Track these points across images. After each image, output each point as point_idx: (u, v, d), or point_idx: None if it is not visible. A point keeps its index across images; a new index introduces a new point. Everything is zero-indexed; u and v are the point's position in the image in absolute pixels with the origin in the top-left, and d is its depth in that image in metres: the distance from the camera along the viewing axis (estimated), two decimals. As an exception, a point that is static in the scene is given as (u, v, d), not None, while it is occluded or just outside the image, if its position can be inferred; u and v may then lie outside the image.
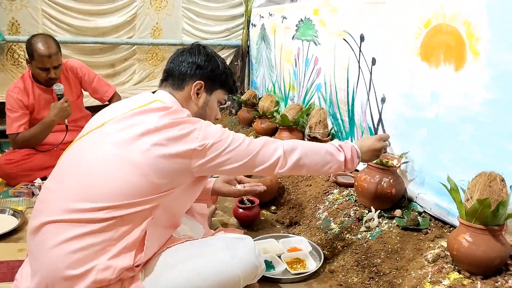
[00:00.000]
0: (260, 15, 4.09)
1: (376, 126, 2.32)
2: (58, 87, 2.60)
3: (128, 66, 4.20)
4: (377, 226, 1.94)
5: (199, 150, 1.28)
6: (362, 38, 2.41)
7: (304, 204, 2.37)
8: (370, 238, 1.89)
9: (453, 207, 1.76)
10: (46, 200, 1.28)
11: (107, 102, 2.99)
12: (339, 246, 1.96)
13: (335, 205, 2.21)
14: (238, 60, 4.49)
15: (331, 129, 2.75)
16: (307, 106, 3.12)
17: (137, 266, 1.25)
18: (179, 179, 1.30)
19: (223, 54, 4.54)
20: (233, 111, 4.31)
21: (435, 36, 1.87)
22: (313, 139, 2.63)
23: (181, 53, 1.49)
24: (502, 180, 1.47)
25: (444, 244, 1.66)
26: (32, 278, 1.24)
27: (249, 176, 2.47)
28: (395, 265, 1.69)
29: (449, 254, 1.57)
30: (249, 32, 4.39)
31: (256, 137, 3.42)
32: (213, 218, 2.21)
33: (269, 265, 1.83)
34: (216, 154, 1.31)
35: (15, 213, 2.25)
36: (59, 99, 2.60)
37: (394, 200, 2.00)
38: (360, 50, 2.44)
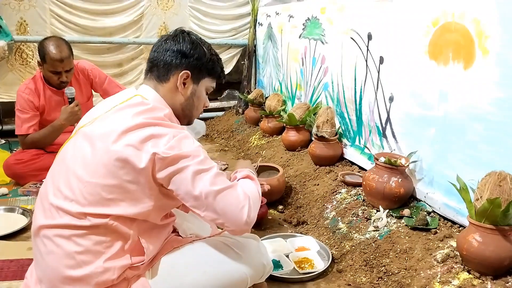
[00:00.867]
0: (267, 14, 4.08)
1: (384, 125, 2.30)
2: (70, 91, 2.60)
3: (135, 65, 4.22)
4: (386, 225, 1.93)
5: (159, 157, 1.16)
6: (369, 37, 2.40)
7: (311, 204, 2.36)
8: (378, 237, 1.88)
9: (462, 206, 1.75)
10: (41, 204, 1.28)
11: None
12: (347, 246, 1.95)
13: (343, 205, 2.20)
14: (245, 59, 4.48)
15: (338, 128, 2.75)
16: (314, 105, 3.11)
17: (142, 264, 1.25)
18: (149, 185, 1.20)
19: (229, 53, 4.55)
20: (240, 110, 4.31)
21: (443, 35, 1.86)
22: (321, 138, 2.62)
23: (164, 40, 1.39)
24: (512, 179, 1.45)
25: (454, 244, 1.65)
26: (40, 285, 1.24)
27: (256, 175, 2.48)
28: (404, 265, 1.68)
29: (458, 254, 1.56)
30: (255, 31, 4.39)
31: (263, 137, 3.48)
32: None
33: (277, 264, 1.83)
34: (176, 169, 1.18)
35: (24, 212, 2.27)
36: (70, 102, 2.60)
37: (402, 200, 1.99)
38: (367, 49, 2.43)
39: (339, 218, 2.13)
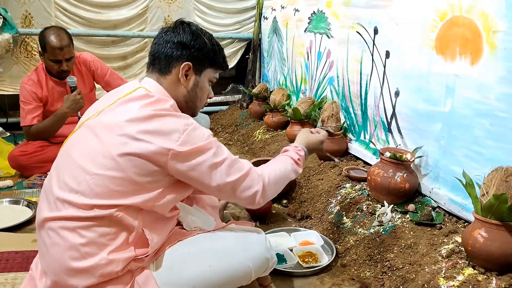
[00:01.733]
0: (272, 8, 4.06)
1: (389, 120, 2.29)
2: (71, 80, 2.62)
3: (139, 58, 4.21)
4: (390, 220, 1.92)
5: (175, 152, 1.19)
6: (376, 31, 2.39)
7: (316, 198, 2.36)
8: (383, 232, 1.88)
9: (468, 202, 1.74)
10: (45, 196, 1.28)
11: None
12: (351, 240, 1.95)
13: (348, 199, 2.20)
14: (250, 53, 4.47)
15: (343, 123, 2.73)
16: (319, 100, 3.10)
17: (146, 256, 1.26)
18: (158, 178, 1.23)
19: (234, 47, 4.53)
20: (244, 104, 4.30)
21: (451, 29, 1.84)
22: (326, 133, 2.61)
23: (165, 32, 1.38)
24: (519, 175, 1.44)
25: (459, 239, 1.65)
26: (45, 278, 1.24)
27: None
28: (409, 260, 1.68)
29: (463, 249, 1.56)
30: (260, 24, 4.37)
31: (267, 131, 3.47)
32: (224, 211, 2.22)
33: (281, 258, 1.84)
34: (191, 164, 1.22)
35: (29, 204, 2.29)
36: (72, 91, 2.62)
37: (407, 195, 1.98)
38: (373, 43, 2.41)
39: (344, 213, 2.13)
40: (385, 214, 1.95)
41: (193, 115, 1.46)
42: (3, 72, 3.71)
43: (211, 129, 4.15)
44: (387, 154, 2.03)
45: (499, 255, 1.41)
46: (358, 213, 2.07)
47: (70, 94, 2.61)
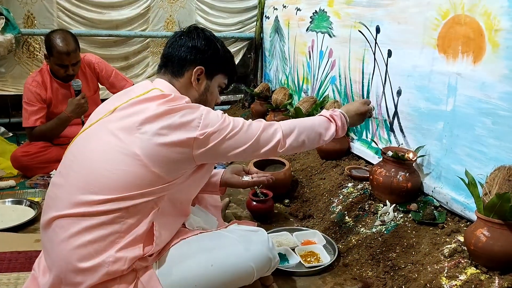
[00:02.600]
0: (273, 7, 4.06)
1: (391, 119, 2.29)
2: (76, 83, 2.61)
3: (141, 58, 4.21)
4: (393, 220, 1.92)
5: (200, 139, 1.25)
6: (378, 30, 2.38)
7: (317, 198, 2.35)
8: (385, 232, 1.88)
9: (470, 201, 1.74)
10: (54, 195, 1.28)
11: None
12: (353, 240, 1.94)
13: (350, 199, 2.20)
14: (251, 53, 4.47)
15: (345, 122, 2.73)
16: (321, 99, 3.10)
17: (150, 255, 1.26)
18: (180, 168, 1.29)
19: (236, 46, 4.53)
20: (246, 104, 4.30)
21: (453, 28, 1.83)
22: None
23: (179, 36, 1.43)
24: (522, 174, 1.44)
25: (461, 238, 1.64)
26: (48, 274, 1.25)
27: (262, 169, 2.47)
28: (411, 260, 1.68)
29: (466, 249, 1.55)
30: (262, 24, 4.37)
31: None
32: (226, 211, 2.22)
33: (283, 258, 1.83)
34: (217, 142, 1.29)
35: (32, 204, 2.29)
36: (76, 95, 2.61)
37: (410, 194, 1.98)
38: (376, 42, 2.41)
39: (346, 212, 2.12)
40: (387, 213, 1.95)
41: None
42: (5, 73, 3.72)
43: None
44: (389, 153, 2.02)
45: (502, 254, 1.40)
46: (360, 212, 2.07)
47: (74, 98, 2.61)
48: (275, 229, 2.09)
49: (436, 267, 1.56)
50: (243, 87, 4.57)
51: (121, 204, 1.20)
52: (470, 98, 1.75)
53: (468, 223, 1.75)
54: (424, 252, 1.67)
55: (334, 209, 2.20)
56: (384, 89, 2.35)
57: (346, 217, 2.09)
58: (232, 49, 4.48)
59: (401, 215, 1.92)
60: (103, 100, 3.18)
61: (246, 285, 1.40)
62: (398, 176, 1.96)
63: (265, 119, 3.65)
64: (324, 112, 1.59)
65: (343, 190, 2.29)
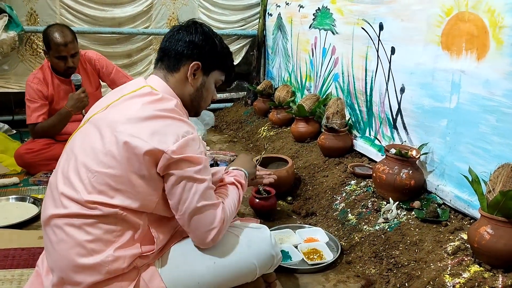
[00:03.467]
0: (276, 4, 4.05)
1: (395, 117, 2.28)
2: (76, 77, 2.62)
3: (144, 56, 4.22)
4: (396, 217, 1.92)
5: (167, 156, 1.17)
6: (381, 27, 2.37)
7: (320, 195, 2.35)
8: (388, 229, 1.88)
9: (473, 199, 1.73)
10: (50, 193, 1.28)
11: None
12: (356, 237, 1.94)
13: (353, 196, 2.19)
14: (254, 50, 4.46)
15: (348, 120, 2.73)
16: (324, 96, 3.09)
17: (152, 253, 1.26)
18: (155, 180, 1.22)
19: (239, 44, 4.52)
20: (249, 101, 4.30)
21: (456, 25, 1.83)
22: (330, 129, 2.60)
23: (177, 31, 1.38)
24: (526, 172, 1.43)
25: (464, 236, 1.64)
26: (51, 273, 1.25)
27: (264, 166, 2.47)
28: (414, 257, 1.67)
29: (469, 246, 1.55)
30: (265, 21, 4.36)
31: (272, 128, 3.46)
32: (229, 208, 2.22)
33: (285, 255, 1.84)
34: (173, 172, 1.20)
35: (35, 201, 2.30)
36: (76, 89, 2.63)
37: (413, 192, 1.97)
38: (379, 39, 2.40)
39: (349, 210, 2.12)
40: (391, 211, 1.94)
41: (196, 114, 1.46)
42: (8, 70, 3.73)
43: (215, 126, 4.15)
44: (393, 151, 2.02)
45: (506, 252, 1.40)
46: (363, 210, 2.07)
47: (74, 92, 2.62)
48: (278, 226, 2.10)
49: (439, 264, 1.56)
50: (246, 84, 4.57)
51: (109, 209, 1.18)
52: (473, 95, 1.75)
53: (471, 221, 1.75)
54: (427, 249, 1.66)
55: (337, 207, 2.20)
56: (387, 86, 2.34)
57: (349, 215, 2.09)
58: (235, 46, 4.48)
59: (404, 213, 1.92)
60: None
61: (248, 282, 1.40)
62: (401, 174, 1.95)
63: (267, 117, 3.68)
64: (226, 178, 1.51)
65: (346, 187, 2.29)
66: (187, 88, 1.39)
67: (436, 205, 1.90)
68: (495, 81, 1.64)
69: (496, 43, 1.63)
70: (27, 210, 2.20)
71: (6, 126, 3.66)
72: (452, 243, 1.63)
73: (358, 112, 2.69)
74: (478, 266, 1.48)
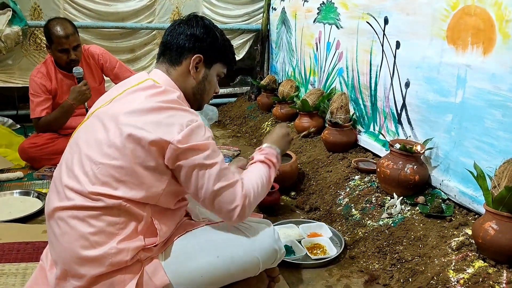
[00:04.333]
0: (280, -1, 4.03)
1: (399, 112, 2.27)
2: (78, 70, 2.63)
3: (148, 51, 4.21)
4: (400, 213, 1.91)
5: (173, 147, 1.18)
6: (386, 21, 2.36)
7: (324, 190, 2.35)
8: (392, 224, 1.87)
9: (478, 194, 1.72)
10: (54, 186, 1.29)
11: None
12: (360, 233, 1.94)
13: (356, 191, 2.19)
14: (258, 45, 4.44)
15: (353, 115, 2.71)
16: (328, 91, 3.08)
17: (155, 246, 1.26)
18: (160, 171, 1.22)
19: (242, 38, 4.50)
20: (253, 96, 4.29)
21: (462, 19, 1.81)
22: (334, 124, 2.59)
23: (178, 24, 1.39)
24: (532, 167, 1.42)
25: (469, 232, 1.63)
26: (55, 267, 1.25)
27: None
28: (418, 252, 1.67)
29: (473, 242, 1.54)
30: (269, 15, 4.34)
31: (276, 123, 3.45)
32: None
33: (289, 250, 1.83)
34: (185, 161, 1.20)
35: (39, 196, 2.31)
36: (78, 82, 2.63)
37: (417, 187, 1.97)
38: (384, 33, 2.38)
39: (352, 205, 2.12)
40: (395, 206, 1.94)
41: (199, 108, 1.46)
42: (12, 65, 3.73)
43: (219, 121, 4.15)
44: (397, 146, 2.01)
45: (510, 247, 1.39)
46: (367, 205, 2.06)
47: (76, 85, 2.63)
48: (281, 221, 2.09)
49: (443, 260, 1.55)
50: (249, 79, 4.55)
51: (113, 200, 1.18)
52: (479, 90, 1.73)
53: (476, 216, 1.74)
54: (432, 245, 1.66)
55: (341, 202, 2.19)
56: (392, 81, 2.33)
57: (353, 210, 2.09)
58: (238, 41, 4.46)
59: (409, 208, 1.91)
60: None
61: (252, 276, 1.40)
62: (405, 169, 1.94)
63: (271, 112, 3.67)
64: (256, 156, 1.47)
65: (350, 182, 2.28)
66: (189, 81, 1.39)
67: (441, 200, 1.89)
68: (501, 76, 1.63)
69: (503, 37, 1.61)
70: (31, 205, 2.21)
71: (10, 121, 3.67)
72: (456, 239, 1.62)
73: (362, 107, 2.68)
74: (483, 262, 1.48)
